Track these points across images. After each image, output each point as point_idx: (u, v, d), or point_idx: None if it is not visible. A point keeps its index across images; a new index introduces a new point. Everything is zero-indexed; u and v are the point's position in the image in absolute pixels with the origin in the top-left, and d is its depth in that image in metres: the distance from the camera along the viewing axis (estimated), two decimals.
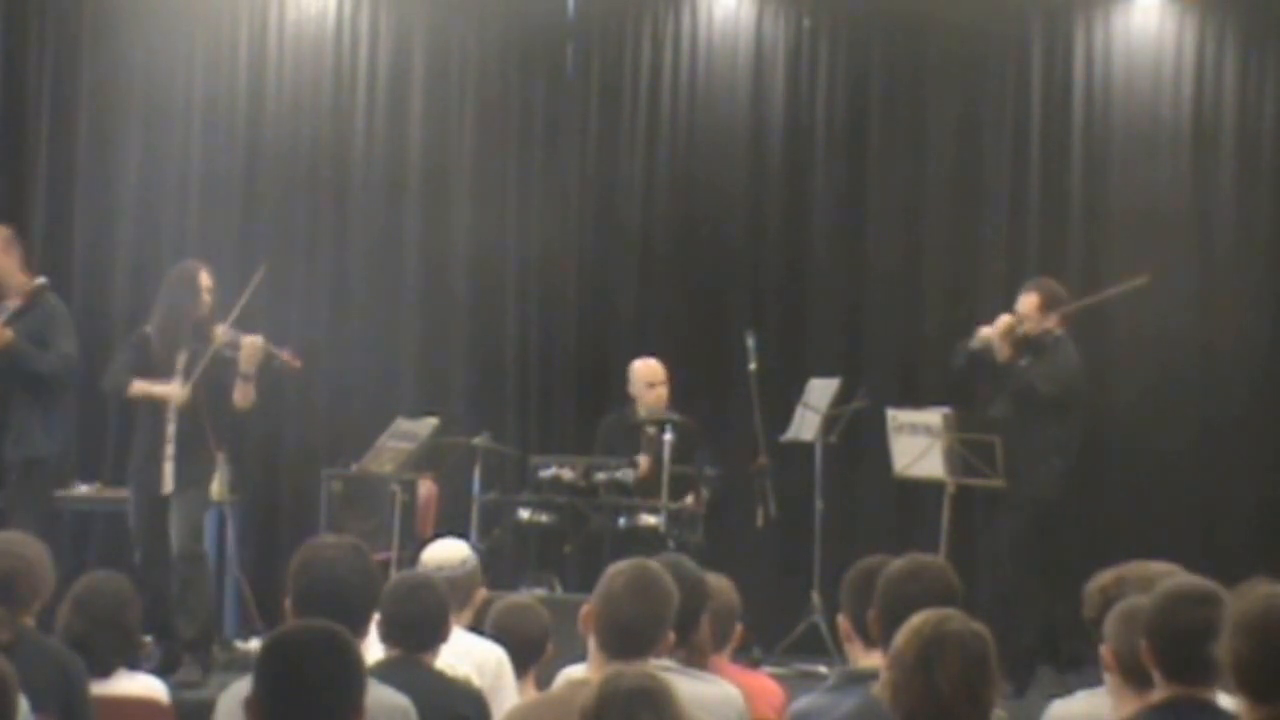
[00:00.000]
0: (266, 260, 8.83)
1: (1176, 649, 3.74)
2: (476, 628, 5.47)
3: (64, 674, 4.81)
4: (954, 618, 3.36)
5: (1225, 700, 3.75)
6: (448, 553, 5.64)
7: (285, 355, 8.38)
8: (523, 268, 10.66)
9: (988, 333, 8.96)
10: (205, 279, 8.38)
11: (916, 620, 3.36)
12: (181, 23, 10.36)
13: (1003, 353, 8.87)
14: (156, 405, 8.30)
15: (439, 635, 4.70)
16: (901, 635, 3.35)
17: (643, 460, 9.21)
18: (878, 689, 3.54)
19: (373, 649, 4.53)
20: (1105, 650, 4.13)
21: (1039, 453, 8.76)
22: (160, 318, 8.38)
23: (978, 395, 9.34)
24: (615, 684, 3.11)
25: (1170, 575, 4.42)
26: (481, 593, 5.62)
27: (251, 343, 8.22)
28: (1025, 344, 8.89)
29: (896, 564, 4.15)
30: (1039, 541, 8.93)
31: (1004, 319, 8.93)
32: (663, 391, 9.51)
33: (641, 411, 9.51)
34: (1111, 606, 4.17)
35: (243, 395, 8.31)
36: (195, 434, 8.24)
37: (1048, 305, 8.96)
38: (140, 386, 8.30)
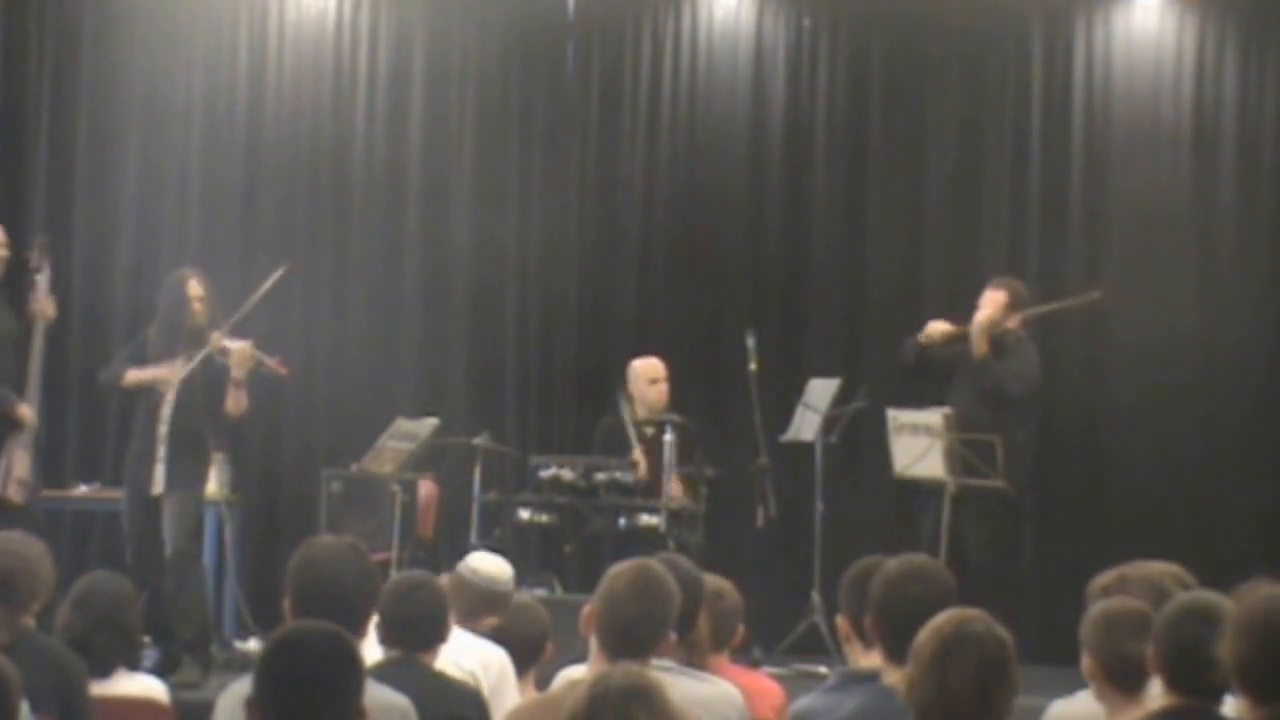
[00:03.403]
0: (288, 261, 8.82)
1: (1185, 661, 3.74)
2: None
3: (64, 674, 4.81)
4: (978, 619, 3.36)
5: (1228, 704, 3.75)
6: (487, 565, 5.58)
7: (272, 362, 8.37)
8: (523, 268, 10.66)
9: (942, 328, 9.04)
10: (194, 288, 8.38)
11: (940, 618, 3.37)
12: (181, 23, 10.36)
13: (979, 347, 8.99)
14: (151, 406, 8.30)
15: (438, 635, 4.69)
16: (923, 632, 3.36)
17: (640, 461, 9.20)
18: (893, 680, 3.55)
19: (372, 649, 4.53)
20: (1085, 661, 4.12)
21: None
22: (156, 329, 8.42)
23: (925, 394, 9.35)
24: (606, 684, 3.11)
25: (1173, 576, 4.42)
26: (493, 620, 5.53)
27: (240, 349, 8.23)
28: (995, 341, 9.00)
29: (892, 566, 4.13)
30: (1006, 541, 8.98)
31: (986, 313, 9.03)
32: (664, 388, 9.50)
33: (642, 410, 9.50)
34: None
35: (235, 403, 8.32)
36: (189, 435, 8.25)
37: (1014, 305, 9.10)
38: (135, 374, 8.32)
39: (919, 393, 9.39)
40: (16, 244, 8.75)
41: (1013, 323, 9.12)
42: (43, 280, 8.57)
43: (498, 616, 5.48)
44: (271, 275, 8.57)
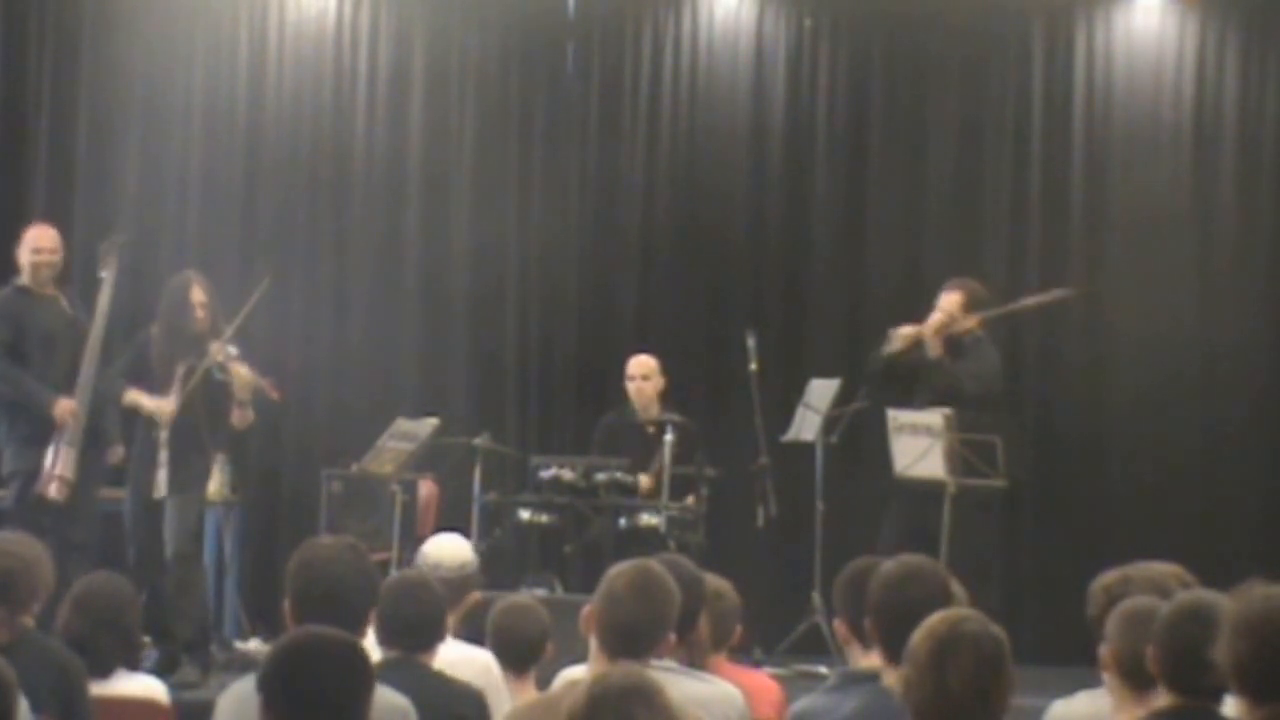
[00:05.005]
0: (269, 273, 8.80)
1: (1183, 662, 3.74)
2: (468, 635, 5.43)
3: (64, 674, 4.80)
4: (971, 618, 3.38)
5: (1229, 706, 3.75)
6: (447, 552, 5.61)
7: (266, 385, 8.36)
8: (523, 268, 10.66)
9: (907, 332, 9.03)
10: (198, 293, 8.35)
11: (934, 619, 3.38)
12: (181, 23, 10.35)
13: (935, 349, 8.98)
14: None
15: (437, 635, 4.70)
16: (918, 633, 3.37)
17: (644, 479, 9.21)
18: (891, 682, 3.54)
19: (371, 649, 4.52)
20: (1104, 651, 4.12)
21: None
22: (158, 332, 8.40)
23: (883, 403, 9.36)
24: (605, 684, 3.11)
25: (1175, 576, 4.42)
26: (474, 595, 5.57)
27: (240, 375, 8.23)
28: (952, 342, 8.98)
29: (888, 567, 4.12)
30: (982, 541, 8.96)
31: (937, 315, 9.02)
32: (645, 386, 9.46)
33: (639, 409, 9.50)
34: (1115, 606, 4.17)
35: (240, 418, 8.36)
36: (189, 440, 8.25)
37: (970, 305, 9.08)
38: (133, 396, 8.30)
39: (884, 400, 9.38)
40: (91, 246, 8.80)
41: (970, 323, 9.10)
42: (108, 280, 8.55)
43: (477, 591, 5.51)
44: (264, 281, 8.56)
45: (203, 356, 8.25)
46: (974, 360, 9.05)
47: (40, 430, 8.26)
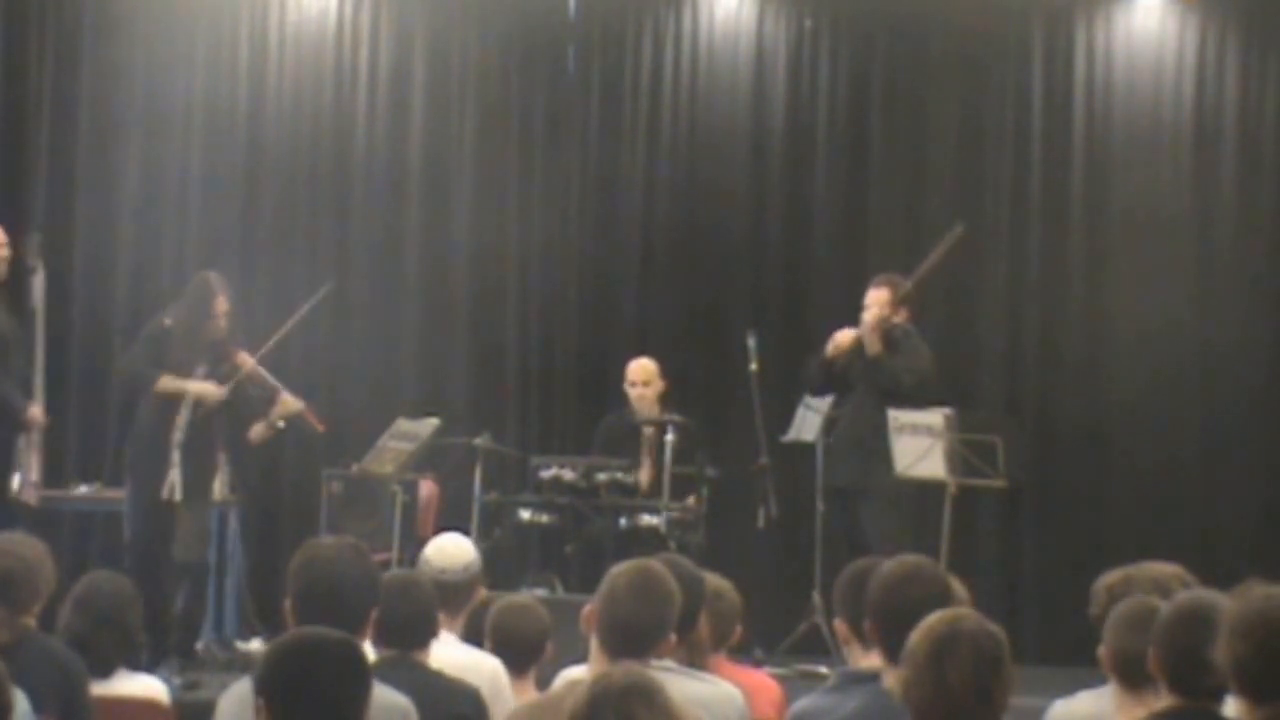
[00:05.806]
0: (331, 281, 8.95)
1: (1183, 662, 3.74)
2: (471, 634, 5.43)
3: (64, 674, 4.81)
4: (968, 617, 3.38)
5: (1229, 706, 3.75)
6: (451, 556, 5.59)
7: (310, 416, 8.45)
8: (523, 268, 10.66)
9: (845, 336, 9.05)
10: (222, 303, 8.35)
11: (932, 618, 3.39)
12: (181, 23, 10.35)
13: (874, 346, 8.95)
14: (164, 410, 8.24)
15: (431, 632, 4.71)
16: (916, 632, 3.37)
17: (643, 473, 9.21)
18: (890, 682, 3.55)
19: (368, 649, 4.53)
20: (1103, 651, 4.13)
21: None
22: (178, 331, 8.35)
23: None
24: (606, 683, 3.11)
25: (1176, 576, 4.42)
26: (480, 593, 5.58)
27: (286, 402, 8.33)
28: (888, 337, 8.98)
29: (889, 567, 4.13)
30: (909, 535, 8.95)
31: (873, 312, 8.99)
32: (646, 392, 9.45)
33: (639, 413, 9.50)
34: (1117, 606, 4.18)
35: (259, 436, 8.41)
36: (203, 445, 8.25)
37: (896, 299, 9.06)
38: (169, 382, 8.27)
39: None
40: (16, 244, 8.74)
41: (899, 317, 9.10)
42: (39, 279, 8.55)
43: (482, 588, 5.52)
44: (310, 300, 8.59)
45: (220, 361, 8.25)
46: (907, 354, 9.05)
47: None
